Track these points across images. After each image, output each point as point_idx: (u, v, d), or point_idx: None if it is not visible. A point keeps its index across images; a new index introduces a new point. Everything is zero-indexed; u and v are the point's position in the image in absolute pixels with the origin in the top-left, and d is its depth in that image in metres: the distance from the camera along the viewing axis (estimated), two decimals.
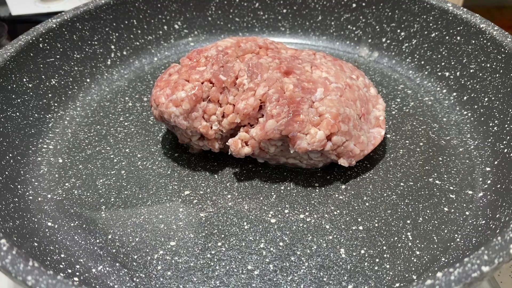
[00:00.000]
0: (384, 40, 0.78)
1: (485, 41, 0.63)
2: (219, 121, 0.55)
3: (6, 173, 0.54)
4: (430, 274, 0.46)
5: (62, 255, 0.48)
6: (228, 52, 0.57)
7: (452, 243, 0.49)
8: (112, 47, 0.77)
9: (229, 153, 0.55)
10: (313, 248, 0.49)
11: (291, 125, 0.51)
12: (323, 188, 0.56)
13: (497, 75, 0.61)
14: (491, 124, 0.60)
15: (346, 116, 0.53)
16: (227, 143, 0.55)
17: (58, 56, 0.69)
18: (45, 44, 0.67)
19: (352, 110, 0.54)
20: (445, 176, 0.57)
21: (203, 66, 0.56)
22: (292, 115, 0.51)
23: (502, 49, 0.60)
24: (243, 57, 0.57)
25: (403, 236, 0.50)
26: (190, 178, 0.58)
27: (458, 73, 0.68)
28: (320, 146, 0.52)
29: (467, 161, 0.59)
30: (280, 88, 0.53)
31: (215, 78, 0.54)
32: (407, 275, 0.46)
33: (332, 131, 0.51)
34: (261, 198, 0.55)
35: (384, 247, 0.49)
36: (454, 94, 0.68)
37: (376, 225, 0.52)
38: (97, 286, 0.46)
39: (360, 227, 0.51)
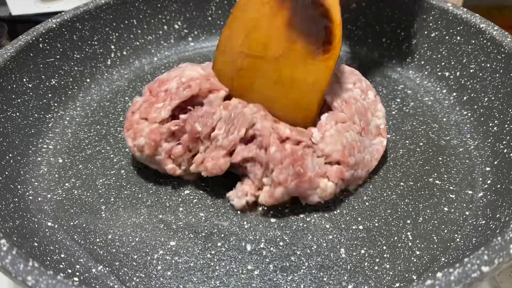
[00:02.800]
0: (384, 40, 0.78)
1: (485, 41, 0.63)
2: (188, 163, 0.54)
3: (6, 173, 0.54)
4: (430, 274, 0.46)
5: (62, 255, 0.48)
6: (191, 85, 0.53)
7: (452, 243, 0.49)
8: (112, 47, 0.77)
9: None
10: (313, 248, 0.49)
11: (301, 187, 0.50)
12: None
13: (497, 75, 0.61)
14: (491, 124, 0.60)
15: (351, 146, 0.52)
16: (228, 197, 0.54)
17: (58, 56, 0.69)
18: (45, 44, 0.67)
19: (352, 132, 0.53)
20: (445, 176, 0.57)
21: (161, 101, 0.54)
22: (299, 177, 0.49)
23: (502, 49, 0.60)
24: (227, 104, 0.53)
25: (403, 236, 0.50)
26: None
27: (458, 73, 0.68)
28: (333, 195, 0.52)
29: (467, 161, 0.59)
30: (277, 137, 0.50)
31: (190, 125, 0.52)
32: (407, 275, 0.46)
33: (341, 177, 0.52)
34: None
35: (384, 247, 0.49)
36: (454, 94, 0.68)
37: (376, 224, 0.52)
38: (97, 286, 0.46)
39: (360, 227, 0.51)
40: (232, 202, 0.53)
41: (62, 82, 0.69)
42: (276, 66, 0.53)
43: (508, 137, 0.56)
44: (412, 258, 0.48)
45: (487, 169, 0.57)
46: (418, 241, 0.50)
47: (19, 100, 0.62)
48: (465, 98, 0.66)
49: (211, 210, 0.54)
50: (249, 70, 0.54)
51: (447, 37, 0.69)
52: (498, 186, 0.53)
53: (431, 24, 0.72)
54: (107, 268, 0.48)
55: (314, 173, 0.50)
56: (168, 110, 0.53)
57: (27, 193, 0.55)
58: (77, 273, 0.46)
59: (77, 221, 0.53)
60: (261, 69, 0.54)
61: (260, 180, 0.52)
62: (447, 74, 0.70)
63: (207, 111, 0.53)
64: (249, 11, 0.53)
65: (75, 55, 0.71)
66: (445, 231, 0.50)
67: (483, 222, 0.50)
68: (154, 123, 0.53)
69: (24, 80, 0.63)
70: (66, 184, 0.57)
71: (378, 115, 0.58)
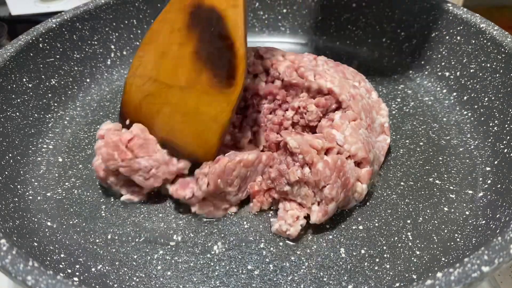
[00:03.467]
0: (384, 40, 0.78)
1: (485, 41, 0.63)
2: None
3: (6, 173, 0.54)
4: (430, 274, 0.46)
5: (62, 255, 0.48)
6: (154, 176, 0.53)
7: (452, 243, 0.49)
8: (112, 47, 0.77)
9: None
10: (313, 248, 0.49)
11: (347, 196, 0.50)
12: None
13: (497, 75, 0.61)
14: (491, 124, 0.60)
15: (367, 143, 0.52)
16: (274, 225, 0.51)
17: (58, 56, 0.69)
18: (45, 44, 0.67)
19: (363, 129, 0.53)
20: (445, 176, 0.57)
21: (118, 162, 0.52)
22: (346, 186, 0.49)
23: (502, 49, 0.60)
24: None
25: (403, 236, 0.50)
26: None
27: (458, 73, 0.68)
28: (364, 195, 0.52)
29: (467, 161, 0.59)
30: (317, 159, 0.48)
31: (213, 184, 0.50)
32: (407, 275, 0.46)
33: (370, 177, 0.52)
34: None
35: (384, 247, 0.49)
36: (454, 94, 0.68)
37: (376, 225, 0.52)
38: (97, 286, 0.45)
39: (360, 227, 0.51)
40: (285, 231, 0.49)
41: (62, 82, 0.69)
42: (182, 96, 0.52)
43: (508, 137, 0.56)
44: (412, 258, 0.48)
45: (487, 169, 0.57)
46: (418, 241, 0.50)
47: (19, 100, 0.62)
48: (465, 98, 0.66)
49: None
50: (156, 96, 0.53)
51: (447, 37, 0.69)
52: (499, 186, 0.53)
53: (431, 24, 0.72)
54: (106, 268, 0.48)
55: (353, 179, 0.50)
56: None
57: (27, 193, 0.55)
58: (77, 273, 0.46)
59: (76, 221, 0.53)
60: (168, 97, 0.53)
61: (312, 201, 0.49)
62: (447, 74, 0.70)
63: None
64: (161, 37, 0.52)
65: (75, 55, 0.71)
66: (445, 231, 0.50)
67: (483, 222, 0.50)
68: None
69: (24, 80, 0.63)
70: (66, 184, 0.57)
71: (382, 113, 0.59)
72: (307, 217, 0.50)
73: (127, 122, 0.56)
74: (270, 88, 0.57)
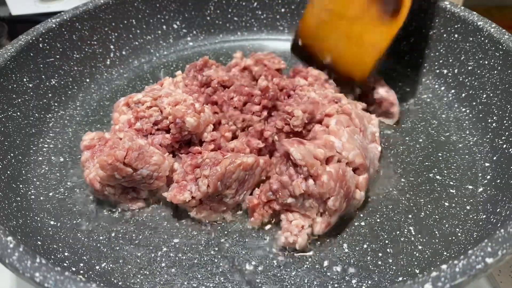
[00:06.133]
0: None
1: (482, 39, 0.64)
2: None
3: (8, 172, 0.54)
4: (433, 268, 0.46)
5: (66, 253, 0.48)
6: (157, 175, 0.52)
7: (453, 237, 0.49)
8: (111, 47, 0.77)
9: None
10: (316, 244, 0.50)
11: (348, 205, 0.50)
12: None
13: (495, 72, 0.61)
14: (489, 120, 0.61)
15: (363, 148, 0.53)
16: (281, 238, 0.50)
17: (58, 56, 0.69)
18: (45, 44, 0.67)
19: (357, 135, 0.54)
20: (445, 171, 0.57)
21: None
22: (348, 195, 0.49)
23: (500, 46, 0.61)
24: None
25: (405, 230, 0.51)
26: None
27: (456, 70, 0.68)
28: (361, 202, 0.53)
29: (467, 156, 0.59)
30: (321, 171, 0.48)
31: (213, 186, 0.50)
32: (410, 269, 0.47)
33: (367, 184, 0.52)
34: None
35: (387, 241, 0.50)
36: (453, 91, 0.68)
37: (378, 220, 0.52)
38: (102, 284, 0.45)
39: (363, 223, 0.52)
40: (293, 242, 0.48)
41: (62, 82, 0.69)
42: (350, 24, 0.63)
43: (507, 133, 0.57)
44: (415, 253, 0.48)
45: (487, 164, 0.57)
46: (420, 235, 0.50)
47: (19, 100, 0.62)
48: (463, 95, 0.66)
49: None
50: (328, 23, 0.65)
51: (445, 35, 0.70)
52: (498, 181, 0.54)
53: (429, 22, 0.72)
54: (111, 266, 0.48)
55: (353, 186, 0.50)
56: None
57: (29, 192, 0.55)
58: (81, 271, 0.46)
59: (79, 220, 0.53)
60: (337, 25, 0.64)
61: (316, 211, 0.49)
62: (445, 71, 0.70)
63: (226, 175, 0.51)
64: None
65: (74, 55, 0.71)
66: (447, 226, 0.51)
67: (484, 216, 0.50)
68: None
69: (25, 80, 0.63)
70: (68, 183, 0.57)
71: (373, 123, 0.60)
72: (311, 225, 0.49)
73: (300, 42, 0.70)
74: (264, 103, 0.57)
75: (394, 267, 0.47)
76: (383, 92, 0.64)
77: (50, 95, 0.67)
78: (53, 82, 0.68)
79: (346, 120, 0.54)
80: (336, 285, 0.46)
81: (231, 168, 0.50)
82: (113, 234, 0.51)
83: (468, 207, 0.53)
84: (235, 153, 0.53)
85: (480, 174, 0.57)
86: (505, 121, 0.58)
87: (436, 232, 0.50)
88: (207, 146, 0.55)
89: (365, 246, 0.49)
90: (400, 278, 0.46)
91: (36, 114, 0.64)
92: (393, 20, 0.60)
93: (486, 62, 0.63)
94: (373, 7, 0.61)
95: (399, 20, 0.59)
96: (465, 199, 0.54)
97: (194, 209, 0.51)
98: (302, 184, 0.47)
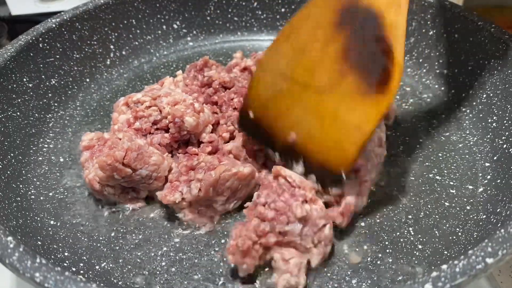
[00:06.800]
0: None
1: (483, 38, 0.64)
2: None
3: (8, 172, 0.54)
4: (433, 268, 0.46)
5: (66, 253, 0.48)
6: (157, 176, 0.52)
7: (453, 237, 0.49)
8: (111, 46, 0.77)
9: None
10: None
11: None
12: None
13: (495, 72, 0.61)
14: (489, 120, 0.61)
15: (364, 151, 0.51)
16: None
17: (58, 56, 0.69)
18: (45, 44, 0.67)
19: None
20: (445, 171, 0.57)
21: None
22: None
23: (500, 46, 0.61)
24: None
25: (405, 231, 0.51)
26: None
27: (456, 70, 0.68)
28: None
29: (467, 156, 0.59)
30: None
31: (204, 191, 0.49)
32: (410, 269, 0.47)
33: (370, 188, 0.52)
34: None
35: (387, 242, 0.49)
36: (453, 91, 0.68)
37: (378, 220, 0.52)
38: (102, 284, 0.45)
39: (362, 223, 0.52)
40: (295, 285, 0.44)
41: (62, 82, 0.69)
42: (319, 98, 0.47)
43: (507, 133, 0.57)
44: (415, 252, 0.48)
45: (487, 164, 0.57)
46: (420, 235, 0.50)
47: (19, 100, 0.62)
48: (463, 94, 0.66)
49: None
50: (287, 96, 0.49)
51: (445, 35, 0.70)
52: (498, 181, 0.54)
53: (429, 22, 0.72)
54: (111, 265, 0.48)
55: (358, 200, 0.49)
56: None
57: (29, 192, 0.55)
58: (81, 271, 0.46)
59: (79, 219, 0.53)
60: (301, 98, 0.48)
61: (312, 240, 0.46)
62: (445, 71, 0.70)
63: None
64: (302, 33, 0.48)
65: (74, 55, 0.71)
66: (447, 226, 0.51)
67: (484, 216, 0.50)
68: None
69: (25, 80, 0.63)
70: (68, 183, 0.57)
71: (381, 128, 0.59)
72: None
73: (251, 115, 0.52)
74: None
75: (394, 267, 0.47)
76: None
77: (50, 95, 0.67)
78: (53, 82, 0.68)
79: None
80: (336, 285, 0.46)
81: (226, 175, 0.49)
82: (113, 234, 0.51)
83: (468, 207, 0.53)
84: (232, 160, 0.53)
85: (480, 174, 0.57)
86: (505, 121, 0.58)
87: (436, 232, 0.50)
88: (205, 148, 0.55)
89: (365, 247, 0.49)
90: (400, 278, 0.46)
91: (36, 114, 0.64)
92: (380, 95, 0.45)
93: (486, 62, 0.63)
94: (348, 78, 0.46)
95: (387, 95, 0.45)
96: (465, 199, 0.54)
97: (182, 211, 0.51)
98: (302, 207, 0.45)
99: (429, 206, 0.53)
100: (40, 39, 0.66)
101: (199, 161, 0.51)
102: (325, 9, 0.47)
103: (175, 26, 0.83)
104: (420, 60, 0.74)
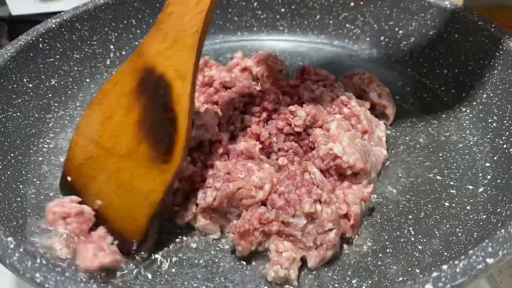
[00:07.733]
0: (382, 38, 0.79)
1: (483, 38, 0.64)
2: None
3: (8, 173, 0.54)
4: (433, 268, 0.46)
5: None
6: None
7: (454, 237, 0.49)
8: (111, 47, 0.77)
9: None
10: None
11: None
12: None
13: (495, 72, 0.62)
14: (490, 120, 0.61)
15: (364, 152, 0.52)
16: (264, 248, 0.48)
17: (58, 56, 0.69)
18: (45, 44, 0.67)
19: (359, 139, 0.54)
20: (446, 171, 0.57)
21: None
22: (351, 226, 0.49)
23: (500, 46, 0.61)
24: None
25: (405, 231, 0.51)
26: None
27: (456, 70, 0.68)
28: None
29: (467, 156, 0.59)
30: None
31: (218, 201, 0.48)
32: (410, 269, 0.47)
33: (372, 190, 0.51)
34: None
35: (387, 242, 0.50)
36: (453, 91, 0.68)
37: (378, 221, 0.52)
38: (102, 284, 0.45)
39: (362, 223, 0.52)
40: (284, 277, 0.44)
41: (62, 82, 0.69)
42: (120, 165, 0.48)
43: (507, 133, 0.57)
44: (415, 253, 0.48)
45: (487, 164, 0.57)
46: (420, 235, 0.50)
47: (19, 100, 0.62)
48: (463, 94, 0.66)
49: None
50: (96, 161, 0.49)
51: (445, 35, 0.70)
52: (498, 181, 0.54)
53: (429, 22, 0.72)
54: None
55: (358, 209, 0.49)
56: None
57: (29, 192, 0.55)
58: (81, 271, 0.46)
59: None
60: (106, 164, 0.48)
61: (313, 240, 0.46)
62: (445, 71, 0.70)
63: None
64: (110, 99, 0.49)
65: (74, 55, 0.71)
66: (447, 226, 0.51)
67: (484, 216, 0.51)
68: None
69: (25, 80, 0.63)
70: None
71: (380, 128, 0.60)
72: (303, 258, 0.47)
73: (69, 179, 0.51)
74: (265, 105, 0.57)
75: (394, 267, 0.47)
76: (374, 97, 0.63)
77: (50, 95, 0.67)
78: (53, 82, 0.68)
79: (347, 124, 0.55)
80: (336, 285, 0.46)
81: (243, 193, 0.48)
82: None
83: (468, 207, 0.53)
84: (250, 167, 0.51)
85: (480, 174, 0.57)
86: (505, 121, 0.58)
87: (436, 232, 0.50)
88: (217, 151, 0.54)
89: (365, 247, 0.49)
90: (400, 278, 0.46)
91: (36, 114, 0.64)
92: (165, 164, 0.46)
93: (486, 62, 0.63)
94: (142, 146, 0.46)
95: (172, 165, 0.46)
96: (465, 199, 0.54)
97: (197, 216, 0.50)
98: (312, 205, 0.45)
99: (429, 206, 0.53)
100: (40, 39, 0.66)
101: (217, 169, 0.51)
102: (129, 77, 0.48)
103: None
104: (420, 60, 0.74)
